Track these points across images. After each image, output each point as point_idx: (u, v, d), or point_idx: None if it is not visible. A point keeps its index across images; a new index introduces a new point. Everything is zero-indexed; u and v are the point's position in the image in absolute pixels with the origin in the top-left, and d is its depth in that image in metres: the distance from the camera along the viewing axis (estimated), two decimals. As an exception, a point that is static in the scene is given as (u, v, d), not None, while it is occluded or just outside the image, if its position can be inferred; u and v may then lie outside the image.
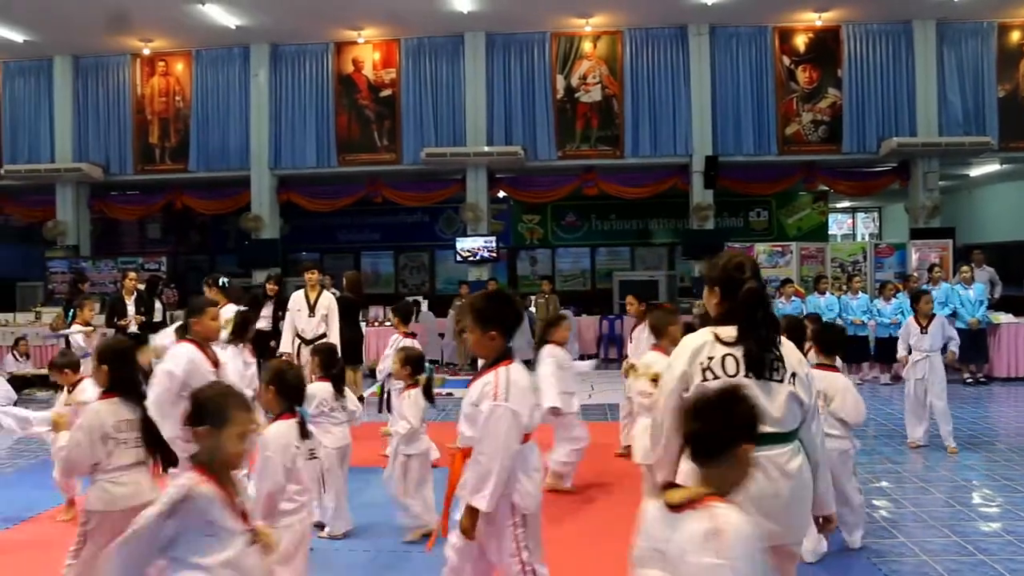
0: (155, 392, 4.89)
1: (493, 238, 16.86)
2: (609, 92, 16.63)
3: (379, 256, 22.17)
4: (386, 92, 16.92)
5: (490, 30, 16.40)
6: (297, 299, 9.87)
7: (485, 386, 3.54)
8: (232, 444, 2.86)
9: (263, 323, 10.51)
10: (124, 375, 4.12)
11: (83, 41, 16.63)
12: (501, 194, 18.76)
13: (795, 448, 3.22)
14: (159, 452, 4.06)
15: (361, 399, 9.61)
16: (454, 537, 3.64)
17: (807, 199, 20.84)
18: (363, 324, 12.04)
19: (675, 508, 2.41)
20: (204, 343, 5.33)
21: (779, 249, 16.00)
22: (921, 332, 8.36)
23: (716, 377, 3.18)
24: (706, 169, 16.02)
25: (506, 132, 16.58)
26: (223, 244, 22.04)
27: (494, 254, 16.79)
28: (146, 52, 17.25)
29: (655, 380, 4.68)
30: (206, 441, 2.87)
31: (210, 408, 2.91)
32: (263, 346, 10.02)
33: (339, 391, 5.85)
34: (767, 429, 3.05)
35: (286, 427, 4.12)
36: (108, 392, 4.10)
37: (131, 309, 11.11)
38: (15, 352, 13.25)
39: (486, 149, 16.33)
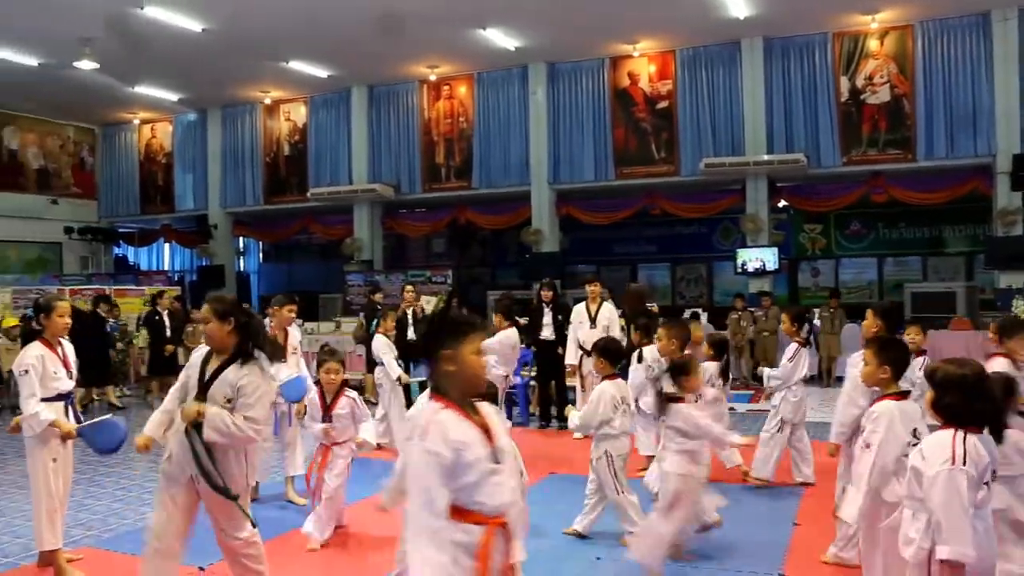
0: None
1: (775, 249, 16.30)
2: (899, 91, 15.57)
3: (655, 268, 22.12)
4: (662, 104, 16.83)
5: (767, 34, 15.87)
6: (579, 311, 10.21)
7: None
8: None
9: (547, 331, 10.75)
10: None
11: (377, 72, 17.89)
12: (782, 203, 18.09)
13: None
14: None
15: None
16: None
17: None
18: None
19: None
20: None
21: (1109, 258, 14.25)
22: None
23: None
24: (1013, 170, 14.54)
25: (787, 139, 15.97)
26: (503, 258, 22.84)
27: (775, 265, 16.24)
28: (432, 78, 18.27)
29: None
30: None
31: None
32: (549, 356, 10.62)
33: None
34: None
35: None
36: None
37: (409, 319, 11.73)
38: (320, 357, 14.37)
39: (766, 158, 15.78)
